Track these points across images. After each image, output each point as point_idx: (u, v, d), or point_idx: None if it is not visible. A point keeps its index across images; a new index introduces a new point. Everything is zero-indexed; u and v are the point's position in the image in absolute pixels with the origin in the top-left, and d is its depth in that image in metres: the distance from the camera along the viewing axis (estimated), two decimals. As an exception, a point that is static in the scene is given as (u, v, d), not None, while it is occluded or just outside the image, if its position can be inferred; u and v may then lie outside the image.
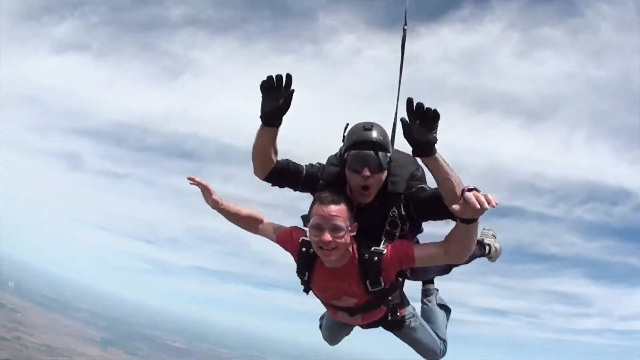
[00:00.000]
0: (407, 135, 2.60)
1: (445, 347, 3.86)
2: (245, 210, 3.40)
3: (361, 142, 2.91)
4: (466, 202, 2.44)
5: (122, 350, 69.31)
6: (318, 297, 3.35)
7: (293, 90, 2.78)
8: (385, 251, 2.95)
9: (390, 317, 3.39)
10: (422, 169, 3.13)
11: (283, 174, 3.15)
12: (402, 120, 2.59)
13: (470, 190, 2.47)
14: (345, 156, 2.97)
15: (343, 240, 2.85)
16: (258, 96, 2.83)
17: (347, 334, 3.95)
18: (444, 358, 3.88)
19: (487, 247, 3.88)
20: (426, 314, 3.97)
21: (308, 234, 2.99)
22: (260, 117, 2.88)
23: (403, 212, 3.00)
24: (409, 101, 2.53)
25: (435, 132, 2.60)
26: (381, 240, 3.00)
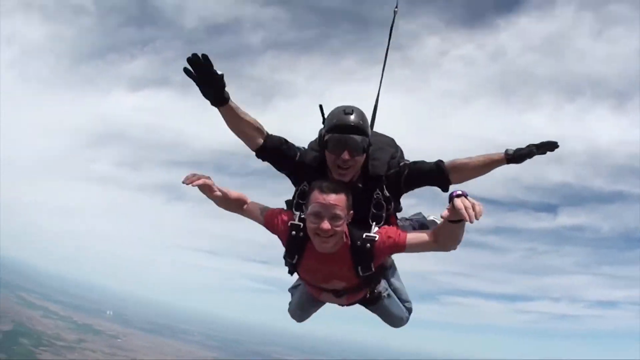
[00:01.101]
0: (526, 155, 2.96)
1: (410, 310, 3.95)
2: (233, 192, 3.33)
3: (341, 126, 3.00)
4: (454, 209, 2.63)
5: (234, 368, 64.81)
6: (304, 279, 3.49)
7: (215, 73, 2.86)
8: (377, 238, 3.04)
9: (369, 295, 3.57)
10: (401, 150, 3.34)
11: (274, 153, 3.21)
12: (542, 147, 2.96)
13: (458, 196, 2.65)
14: (325, 139, 3.05)
15: (341, 228, 2.93)
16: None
17: (317, 310, 4.00)
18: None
19: None
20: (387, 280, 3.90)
21: (297, 217, 3.13)
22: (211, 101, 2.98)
23: (387, 194, 3.13)
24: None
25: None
26: (369, 223, 3.09)
